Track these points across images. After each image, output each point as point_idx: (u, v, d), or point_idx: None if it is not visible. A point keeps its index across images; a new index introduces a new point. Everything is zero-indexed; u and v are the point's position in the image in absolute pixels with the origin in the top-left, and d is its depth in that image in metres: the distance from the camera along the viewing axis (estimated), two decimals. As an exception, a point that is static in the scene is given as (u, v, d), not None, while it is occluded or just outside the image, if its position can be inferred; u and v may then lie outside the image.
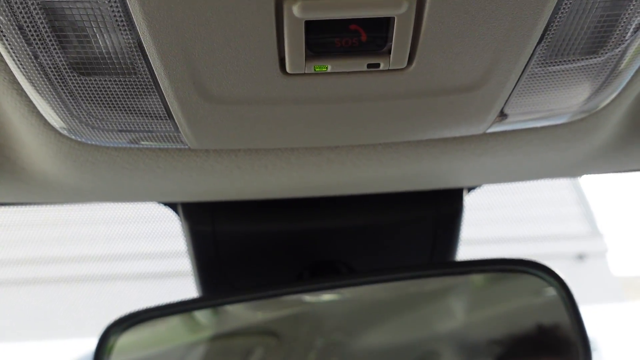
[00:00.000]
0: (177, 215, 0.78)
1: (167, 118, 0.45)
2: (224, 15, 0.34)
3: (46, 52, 0.38)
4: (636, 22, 0.40)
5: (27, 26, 0.36)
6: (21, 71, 0.40)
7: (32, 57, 0.38)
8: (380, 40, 0.38)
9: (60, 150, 0.50)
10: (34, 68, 0.39)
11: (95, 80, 0.41)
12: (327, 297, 0.73)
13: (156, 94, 0.42)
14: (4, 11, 0.35)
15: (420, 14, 0.35)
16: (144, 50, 0.37)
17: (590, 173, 0.69)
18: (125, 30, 0.37)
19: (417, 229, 0.75)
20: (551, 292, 0.65)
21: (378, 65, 0.39)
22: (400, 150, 0.55)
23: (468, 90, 0.44)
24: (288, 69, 0.39)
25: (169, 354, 0.75)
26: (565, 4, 0.37)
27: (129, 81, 0.41)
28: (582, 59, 0.43)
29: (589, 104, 0.49)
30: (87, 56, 0.39)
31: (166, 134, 0.48)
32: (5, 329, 4.00)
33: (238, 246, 0.74)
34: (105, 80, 0.41)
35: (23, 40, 0.37)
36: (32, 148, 0.51)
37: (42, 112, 0.46)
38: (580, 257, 4.63)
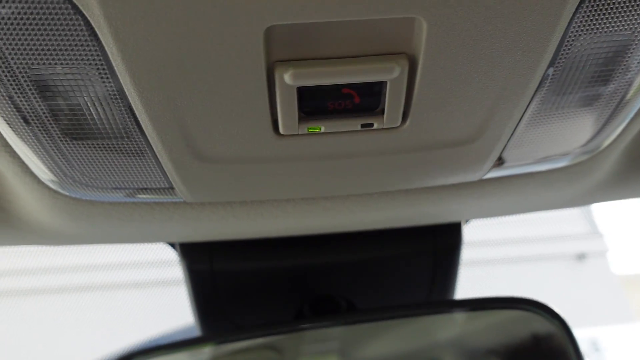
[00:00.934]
0: (175, 252, 0.77)
1: (162, 175, 0.45)
2: (216, 82, 0.34)
3: (37, 120, 0.38)
4: (627, 80, 0.40)
5: (18, 96, 0.36)
6: (13, 136, 0.40)
7: (24, 123, 0.38)
8: (373, 101, 0.38)
9: (55, 204, 0.50)
10: (25, 134, 0.39)
11: (87, 144, 0.41)
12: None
13: (149, 155, 0.42)
14: None
15: (412, 77, 0.35)
16: (136, 116, 0.37)
17: (588, 204, 0.69)
18: (116, 98, 0.36)
19: (416, 262, 0.75)
20: (552, 329, 0.65)
21: (372, 125, 0.39)
22: (397, 197, 0.54)
23: (463, 144, 0.43)
24: (281, 131, 0.39)
25: None
26: (560, 60, 0.37)
27: (122, 144, 0.41)
28: (579, 109, 0.43)
29: (589, 145, 0.49)
30: (79, 122, 0.39)
31: (161, 189, 0.48)
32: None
33: (237, 283, 0.74)
34: (97, 144, 0.41)
35: (14, 109, 0.37)
36: (27, 201, 0.51)
37: (35, 172, 0.46)
38: (581, 257, 4.62)
